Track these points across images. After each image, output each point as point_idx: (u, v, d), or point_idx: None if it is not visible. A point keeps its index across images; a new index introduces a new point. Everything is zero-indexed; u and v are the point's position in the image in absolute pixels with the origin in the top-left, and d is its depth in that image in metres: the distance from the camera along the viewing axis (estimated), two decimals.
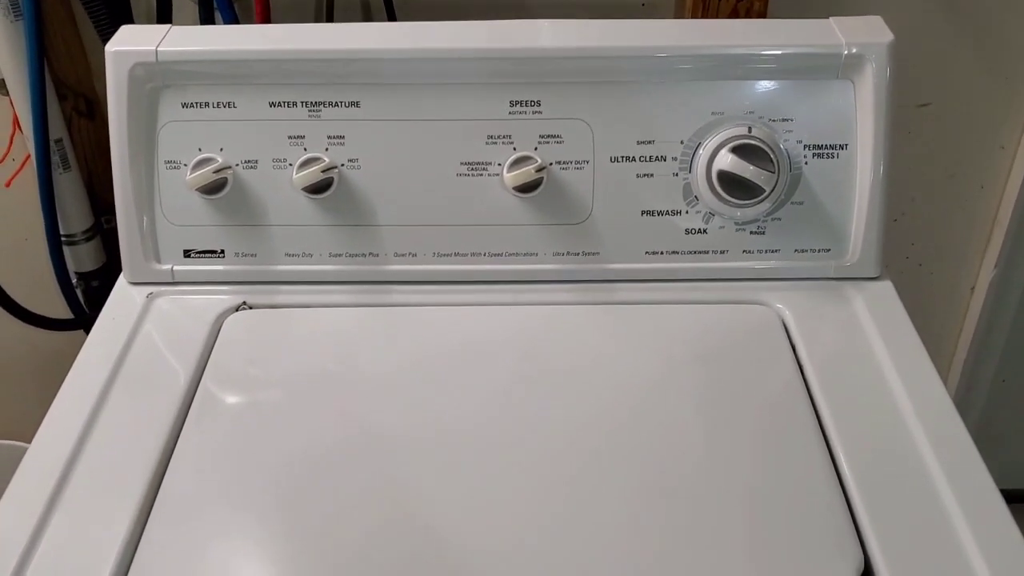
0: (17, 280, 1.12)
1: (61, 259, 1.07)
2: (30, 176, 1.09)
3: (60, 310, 1.13)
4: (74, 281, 1.12)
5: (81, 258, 1.12)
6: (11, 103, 1.03)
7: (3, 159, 1.09)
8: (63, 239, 1.08)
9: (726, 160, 0.72)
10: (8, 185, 1.12)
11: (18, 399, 1.32)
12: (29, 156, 1.07)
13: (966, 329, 1.24)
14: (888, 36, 0.73)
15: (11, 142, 1.08)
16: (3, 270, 1.07)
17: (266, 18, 0.93)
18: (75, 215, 1.09)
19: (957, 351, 1.26)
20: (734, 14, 0.95)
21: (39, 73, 0.98)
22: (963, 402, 1.30)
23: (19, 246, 1.17)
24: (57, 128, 1.04)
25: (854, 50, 0.72)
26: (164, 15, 0.97)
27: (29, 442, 1.19)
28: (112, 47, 0.73)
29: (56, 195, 1.05)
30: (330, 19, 0.92)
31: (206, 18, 0.97)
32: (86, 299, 1.14)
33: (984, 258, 1.18)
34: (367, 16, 0.96)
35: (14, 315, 1.08)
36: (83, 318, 1.13)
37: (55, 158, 1.04)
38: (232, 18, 0.93)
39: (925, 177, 1.11)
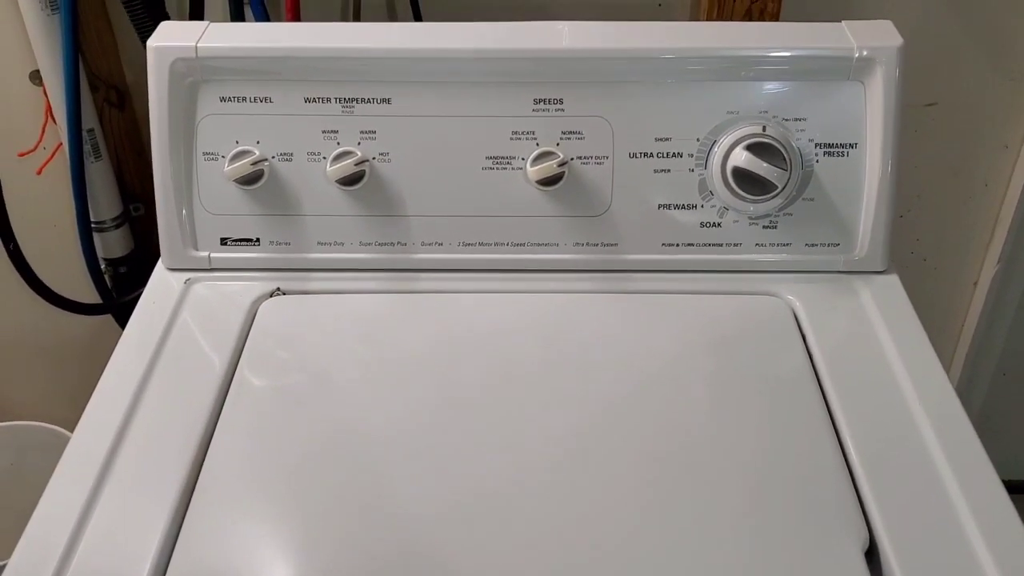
0: (47, 265, 1.14)
1: (91, 245, 1.10)
2: (60, 164, 1.12)
3: (89, 295, 1.16)
4: (103, 267, 1.15)
5: (110, 245, 1.15)
6: (45, 93, 1.06)
7: (35, 148, 1.12)
8: (93, 226, 1.11)
9: (741, 157, 0.74)
10: (39, 172, 1.14)
11: (48, 382, 1.35)
12: (60, 145, 1.10)
13: (968, 323, 1.26)
14: (898, 40, 0.75)
15: (43, 131, 1.11)
16: (34, 255, 1.09)
17: (296, 14, 0.96)
18: (105, 203, 1.12)
19: (959, 344, 1.28)
20: (748, 14, 0.97)
21: (74, 65, 1.00)
22: (965, 394, 1.31)
23: (49, 232, 1.20)
24: (89, 118, 1.07)
25: (865, 53, 0.74)
26: (196, 9, 1.00)
27: (58, 423, 1.24)
28: (154, 43, 0.75)
29: (87, 183, 1.07)
30: (357, 17, 0.95)
31: (236, 12, 0.99)
32: (114, 284, 1.17)
33: (987, 254, 1.20)
34: (392, 15, 0.98)
35: (45, 298, 1.11)
36: (111, 303, 1.16)
37: (87, 147, 1.07)
38: (262, 12, 0.96)
39: (931, 174, 1.13)
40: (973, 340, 1.27)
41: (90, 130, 1.07)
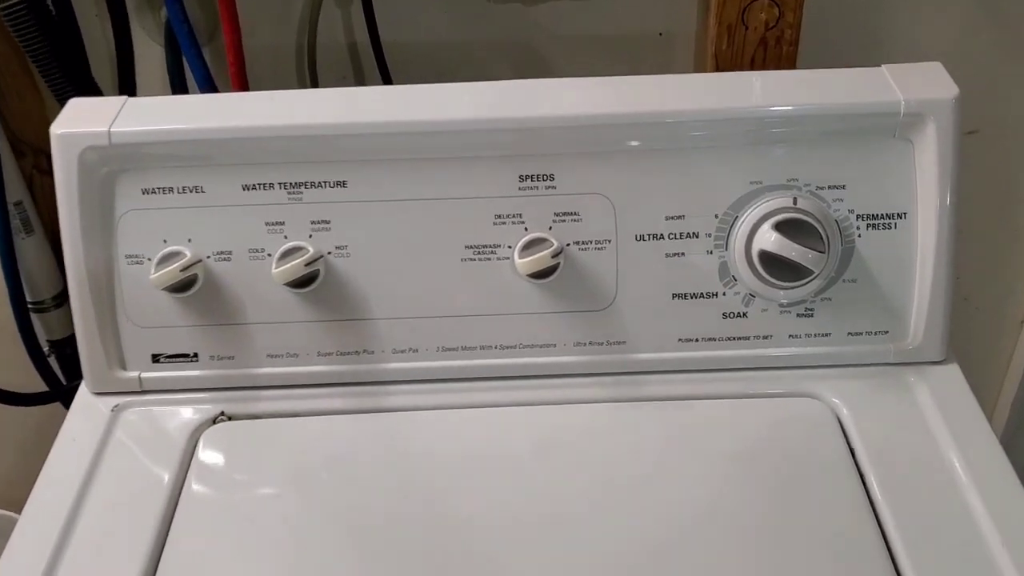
0: None
1: (30, 329, 0.99)
2: None
3: (33, 380, 1.05)
4: (46, 350, 1.03)
5: (51, 326, 1.03)
6: None
7: None
8: (31, 307, 1.00)
9: (769, 239, 0.63)
10: None
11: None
12: None
13: (1014, 364, 1.17)
14: (952, 89, 0.64)
15: None
16: None
17: (240, 67, 0.84)
18: (42, 281, 1.00)
19: (1005, 387, 1.19)
20: (763, 42, 0.86)
21: None
22: (1011, 440, 1.22)
23: None
24: (16, 190, 0.95)
25: (913, 106, 0.64)
26: (127, 77, 0.88)
27: (5, 506, 1.14)
28: (58, 129, 0.64)
29: (20, 262, 0.96)
30: (312, 69, 0.84)
31: (176, 79, 0.88)
32: (62, 367, 1.06)
33: None
34: (355, 64, 0.87)
35: None
36: (58, 390, 1.04)
37: (16, 222, 0.95)
38: (204, 77, 0.84)
39: (973, 208, 1.03)
40: (1021, 381, 1.16)
41: (18, 203, 0.95)
